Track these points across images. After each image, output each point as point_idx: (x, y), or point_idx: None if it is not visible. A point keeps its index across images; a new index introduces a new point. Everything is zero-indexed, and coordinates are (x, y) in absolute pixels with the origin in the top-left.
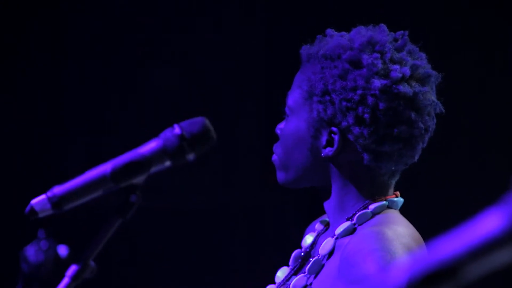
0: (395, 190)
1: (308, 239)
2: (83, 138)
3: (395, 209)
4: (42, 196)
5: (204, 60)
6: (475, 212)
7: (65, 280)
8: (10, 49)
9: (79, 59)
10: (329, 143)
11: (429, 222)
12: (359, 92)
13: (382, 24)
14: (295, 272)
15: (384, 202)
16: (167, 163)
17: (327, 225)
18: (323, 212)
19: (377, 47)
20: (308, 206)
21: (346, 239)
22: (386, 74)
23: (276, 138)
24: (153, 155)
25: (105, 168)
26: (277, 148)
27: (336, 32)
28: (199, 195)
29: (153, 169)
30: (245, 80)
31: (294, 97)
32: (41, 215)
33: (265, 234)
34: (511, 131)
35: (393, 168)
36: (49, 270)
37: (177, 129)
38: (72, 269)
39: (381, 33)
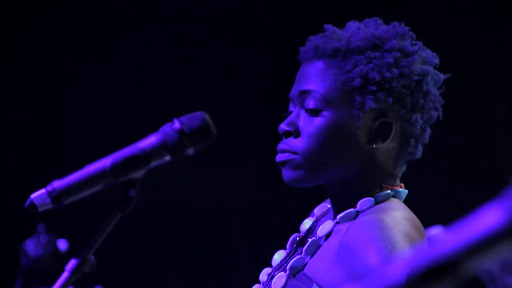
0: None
1: (307, 223)
2: (83, 138)
3: (399, 199)
4: (42, 190)
5: (205, 59)
6: (475, 206)
7: (65, 274)
8: (10, 49)
9: (79, 59)
10: (379, 133)
11: (429, 217)
12: (415, 78)
13: (376, 18)
14: (291, 255)
15: (389, 191)
16: (167, 158)
17: (327, 210)
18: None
19: (406, 36)
20: (309, 203)
21: (346, 225)
22: (428, 61)
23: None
24: (153, 150)
25: (105, 162)
26: (299, 145)
27: (336, 28)
28: (199, 191)
29: (153, 164)
30: (246, 79)
31: (328, 90)
32: (40, 209)
33: (266, 230)
34: None
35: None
36: (48, 264)
37: (177, 124)
38: (72, 263)
39: (394, 24)
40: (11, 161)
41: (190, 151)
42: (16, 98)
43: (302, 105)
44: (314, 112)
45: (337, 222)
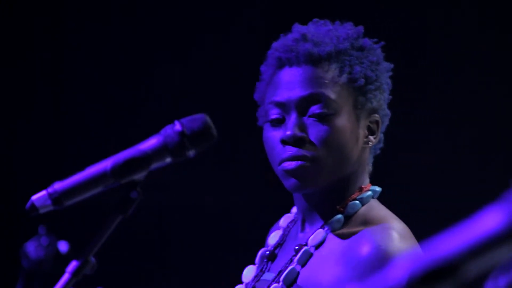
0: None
1: (274, 237)
2: (83, 140)
3: (375, 198)
4: (43, 192)
5: (206, 60)
6: (475, 209)
7: (66, 276)
8: (10, 48)
9: (79, 60)
10: (369, 131)
11: (428, 220)
12: (387, 75)
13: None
14: (263, 271)
15: (370, 192)
16: (168, 160)
17: (292, 221)
18: None
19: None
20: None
21: (339, 231)
22: (383, 57)
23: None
24: (154, 152)
25: (106, 164)
26: (316, 153)
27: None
28: (198, 193)
29: (154, 166)
30: (246, 81)
31: (333, 93)
32: (41, 211)
33: (266, 232)
34: None
35: None
36: (49, 266)
37: (177, 126)
38: (73, 265)
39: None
40: (11, 161)
41: (191, 153)
42: (16, 98)
43: (303, 111)
44: (322, 117)
45: (332, 230)
